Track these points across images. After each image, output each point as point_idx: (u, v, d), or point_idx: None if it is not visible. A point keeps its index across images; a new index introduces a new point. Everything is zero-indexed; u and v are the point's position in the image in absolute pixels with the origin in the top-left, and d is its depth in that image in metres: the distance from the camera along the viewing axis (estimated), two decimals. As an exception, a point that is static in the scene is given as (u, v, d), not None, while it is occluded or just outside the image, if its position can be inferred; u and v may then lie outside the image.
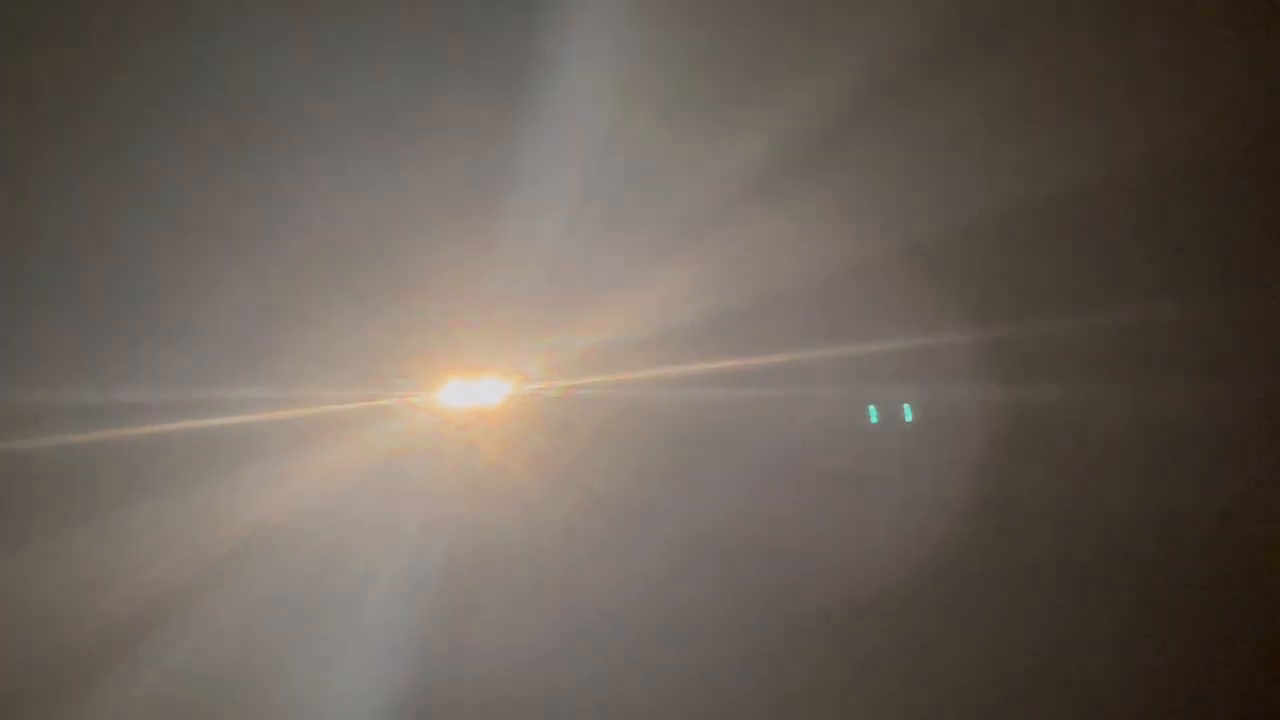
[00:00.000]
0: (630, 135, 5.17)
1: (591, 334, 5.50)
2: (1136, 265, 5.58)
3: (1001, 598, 5.66)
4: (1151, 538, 5.52)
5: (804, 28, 5.01)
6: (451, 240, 5.34)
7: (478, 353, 5.53)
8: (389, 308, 5.34)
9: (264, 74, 4.78)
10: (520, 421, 5.58)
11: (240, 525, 5.37)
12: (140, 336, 5.12)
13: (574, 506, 5.60)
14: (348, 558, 5.50)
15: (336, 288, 5.35)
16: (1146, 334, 5.57)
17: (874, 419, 5.81)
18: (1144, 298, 5.55)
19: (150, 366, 5.14)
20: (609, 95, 5.06)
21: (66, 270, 5.02)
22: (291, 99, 4.87)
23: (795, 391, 5.66)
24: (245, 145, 5.00)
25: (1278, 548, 5.54)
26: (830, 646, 5.55)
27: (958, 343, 5.75)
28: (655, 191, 5.39)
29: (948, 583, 5.64)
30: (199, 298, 5.20)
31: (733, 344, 5.55)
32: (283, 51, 4.78)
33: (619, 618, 5.53)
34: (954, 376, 5.76)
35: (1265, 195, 5.37)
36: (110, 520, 5.17)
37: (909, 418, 5.83)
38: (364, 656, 5.46)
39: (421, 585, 5.51)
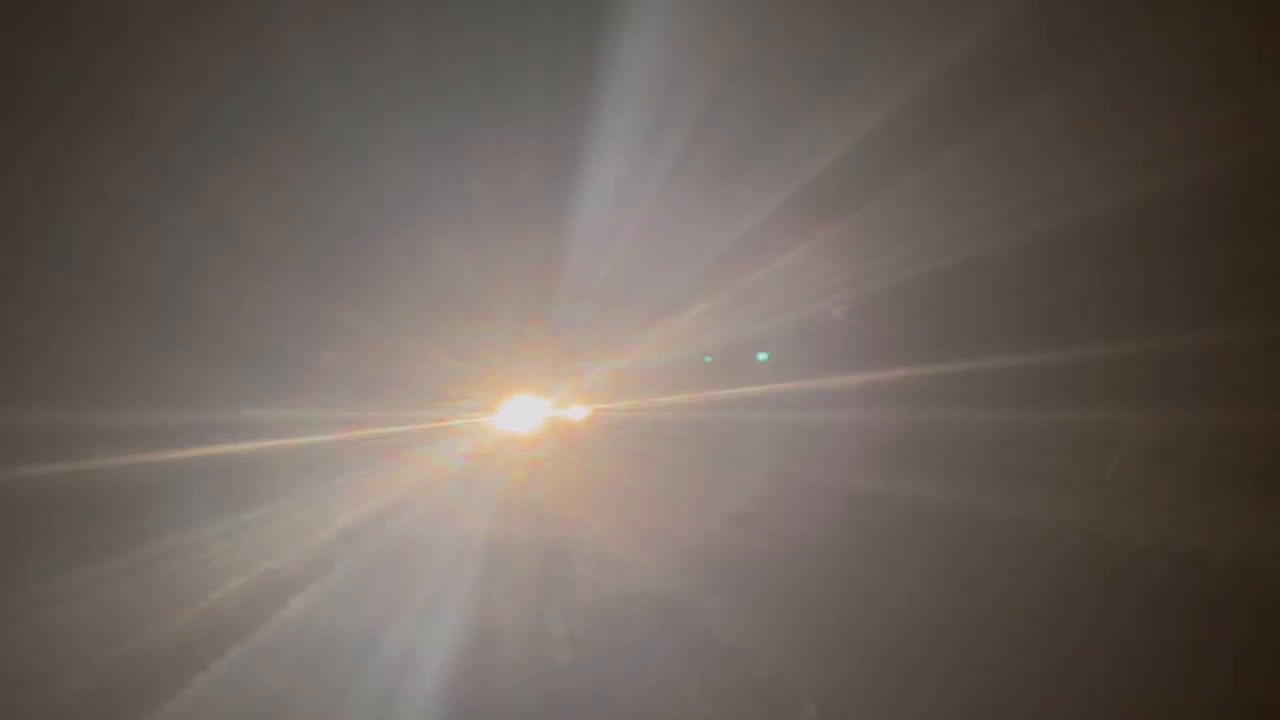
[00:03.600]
0: (685, 177, 5.35)
1: (653, 357, 5.71)
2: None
3: (1024, 621, 5.73)
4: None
5: (858, 55, 5.11)
6: (515, 266, 5.54)
7: (540, 376, 5.74)
8: (455, 332, 5.54)
9: (330, 101, 4.87)
10: (580, 441, 5.79)
11: (309, 543, 5.53)
12: (212, 362, 5.30)
13: (630, 524, 5.77)
14: (414, 573, 5.65)
15: (405, 312, 5.55)
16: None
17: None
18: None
19: (221, 390, 5.32)
20: (668, 137, 5.23)
21: (145, 299, 5.22)
22: (360, 129, 5.02)
23: (843, 413, 5.83)
24: (313, 172, 5.15)
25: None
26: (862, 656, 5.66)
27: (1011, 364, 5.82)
28: (705, 226, 5.59)
29: (984, 608, 5.72)
30: (268, 322, 5.37)
31: (791, 367, 5.74)
32: (352, 82, 4.88)
33: (667, 629, 5.66)
34: (1008, 397, 5.86)
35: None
36: (186, 537, 5.33)
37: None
38: (425, 668, 5.58)
39: (485, 593, 5.64)
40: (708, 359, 5.97)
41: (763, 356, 5.97)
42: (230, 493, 5.31)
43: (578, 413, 5.90)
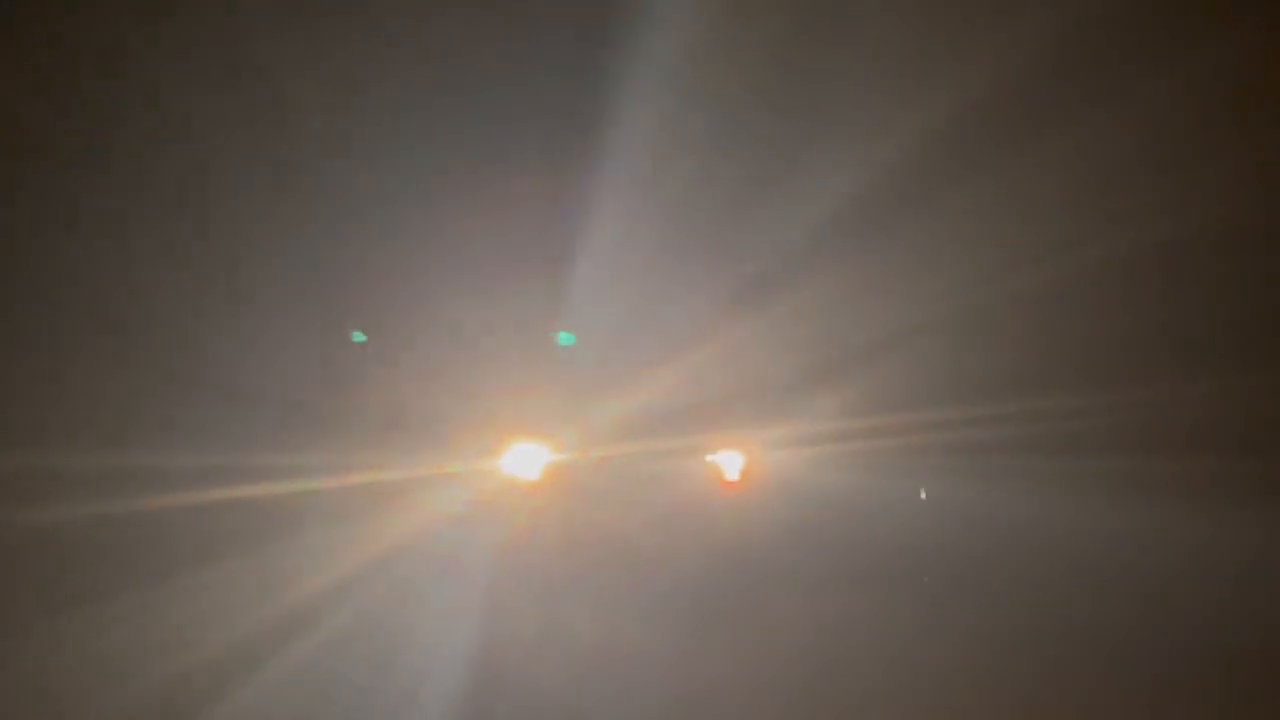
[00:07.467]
0: (693, 217, 5.36)
1: (654, 401, 5.67)
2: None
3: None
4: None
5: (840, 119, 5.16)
6: (515, 311, 5.52)
7: (538, 422, 5.69)
8: (453, 378, 5.49)
9: (333, 142, 4.91)
10: (584, 487, 5.74)
11: (304, 590, 5.45)
12: (208, 405, 5.23)
13: (626, 568, 5.73)
14: (410, 620, 5.59)
15: (402, 357, 5.52)
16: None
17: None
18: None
19: (220, 433, 5.26)
20: (674, 175, 5.24)
21: (138, 339, 5.17)
22: (362, 169, 5.02)
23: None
24: (313, 213, 5.15)
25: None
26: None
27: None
28: (713, 267, 5.61)
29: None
30: (267, 365, 5.32)
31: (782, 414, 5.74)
32: (355, 123, 4.91)
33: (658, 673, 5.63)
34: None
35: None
36: (180, 583, 5.25)
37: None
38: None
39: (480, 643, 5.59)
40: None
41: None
42: (225, 539, 5.22)
43: (582, 458, 5.84)
